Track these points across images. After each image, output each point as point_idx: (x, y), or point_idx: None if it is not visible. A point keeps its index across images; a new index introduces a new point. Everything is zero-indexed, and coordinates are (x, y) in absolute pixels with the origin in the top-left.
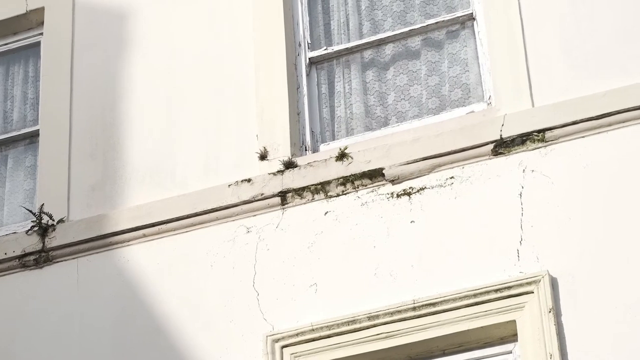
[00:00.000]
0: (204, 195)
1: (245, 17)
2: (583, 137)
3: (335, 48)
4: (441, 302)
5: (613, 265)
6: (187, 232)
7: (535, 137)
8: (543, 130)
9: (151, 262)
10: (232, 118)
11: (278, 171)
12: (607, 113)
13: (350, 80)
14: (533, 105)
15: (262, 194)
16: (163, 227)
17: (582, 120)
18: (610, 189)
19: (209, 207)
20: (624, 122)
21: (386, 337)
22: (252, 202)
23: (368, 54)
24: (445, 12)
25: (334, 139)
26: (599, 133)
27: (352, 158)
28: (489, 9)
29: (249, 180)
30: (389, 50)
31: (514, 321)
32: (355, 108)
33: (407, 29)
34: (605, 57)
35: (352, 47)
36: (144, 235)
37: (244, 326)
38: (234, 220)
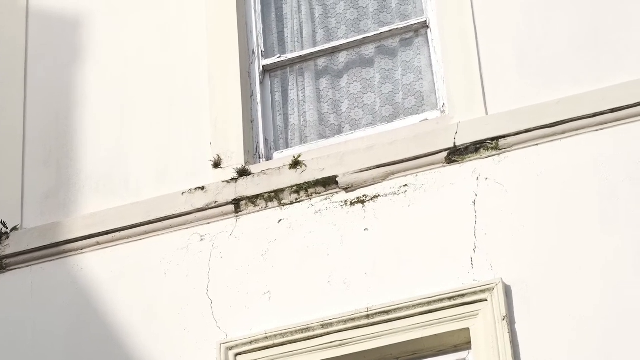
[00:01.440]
0: (158, 203)
1: (198, 26)
2: (537, 145)
3: (289, 56)
4: (395, 310)
5: (566, 272)
6: (140, 240)
7: (489, 145)
8: (497, 138)
9: (105, 270)
10: (186, 126)
11: (232, 179)
12: (561, 121)
13: (304, 88)
14: (487, 113)
15: (215, 202)
16: (117, 235)
17: (535, 128)
18: (563, 197)
19: (163, 215)
20: (577, 130)
21: (340, 345)
22: (205, 210)
23: (322, 62)
24: (399, 20)
25: (287, 147)
26: (552, 141)
27: (305, 166)
28: (443, 17)
29: (202, 188)
30: (342, 58)
31: (468, 329)
32: (309, 116)
33: (360, 37)
34: (559, 65)
35: (305, 55)
36: (98, 243)
37: (197, 334)
38: (187, 228)
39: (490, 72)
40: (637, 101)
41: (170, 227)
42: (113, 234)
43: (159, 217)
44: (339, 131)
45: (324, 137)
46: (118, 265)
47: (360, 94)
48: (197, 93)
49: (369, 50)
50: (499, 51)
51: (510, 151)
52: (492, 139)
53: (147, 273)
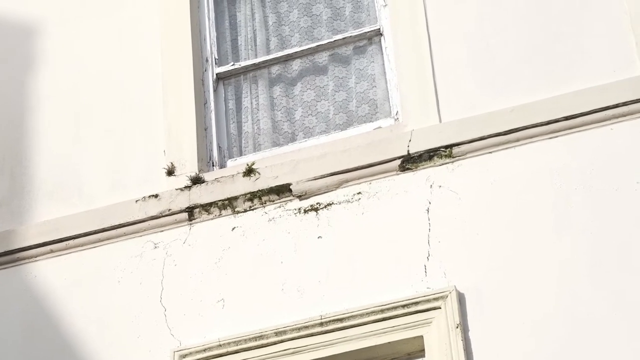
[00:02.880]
0: (111, 210)
1: (152, 34)
2: (490, 152)
3: (243, 64)
4: (348, 318)
5: (520, 280)
6: (94, 247)
7: (443, 153)
8: (450, 146)
9: (59, 278)
10: (140, 134)
11: (185, 187)
12: (515, 129)
13: (258, 96)
14: (440, 121)
15: (169, 210)
16: (70, 242)
17: (489, 136)
18: (517, 205)
19: (116, 223)
20: (531, 137)
21: (294, 353)
22: (159, 217)
23: (275, 70)
24: (353, 27)
25: (241, 155)
26: (506, 149)
27: (259, 174)
28: (397, 24)
29: (156, 196)
30: (296, 65)
31: (422, 337)
32: (262, 124)
33: (314, 45)
34: (513, 73)
35: (259, 63)
36: (52, 251)
37: (151, 342)
38: (141, 236)
39: (444, 80)
40: (590, 109)
41: (124, 234)
42: (67, 242)
43: (112, 224)
44: (293, 139)
45: (277, 144)
46: (72, 273)
47: (313, 102)
48: (150, 101)
49: (322, 58)
50: (453, 59)
51: (464, 159)
52: (446, 147)
53: (101, 281)
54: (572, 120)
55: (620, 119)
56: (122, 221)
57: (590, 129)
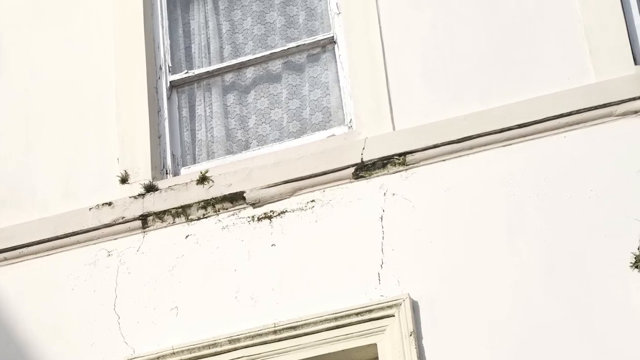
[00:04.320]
0: (65, 218)
1: (106, 41)
2: (444, 160)
3: (196, 71)
4: (302, 326)
5: (474, 288)
6: (48, 255)
7: (397, 161)
8: (404, 154)
9: (12, 286)
10: (93, 141)
11: (139, 195)
12: (468, 137)
13: (211, 104)
14: (394, 129)
15: (123, 218)
16: (24, 250)
17: (442, 144)
18: (471, 213)
19: (70, 231)
20: (484, 145)
21: None
22: (113, 225)
23: (229, 78)
24: (306, 35)
25: (195, 163)
26: (459, 156)
27: (213, 181)
28: (350, 32)
29: (109, 204)
30: (249, 73)
31: (375, 344)
32: (216, 131)
33: (267, 53)
34: (466, 81)
35: (213, 71)
36: (5, 259)
37: (105, 350)
38: (95, 244)
39: (398, 87)
40: (544, 117)
41: (78, 242)
42: (20, 250)
43: (66, 232)
44: (247, 147)
45: (231, 152)
46: (25, 280)
47: (267, 110)
48: (104, 108)
49: (276, 65)
50: (406, 67)
51: (417, 167)
52: (400, 155)
53: (55, 289)
54: (525, 128)
55: (573, 127)
56: (75, 229)
57: (544, 137)
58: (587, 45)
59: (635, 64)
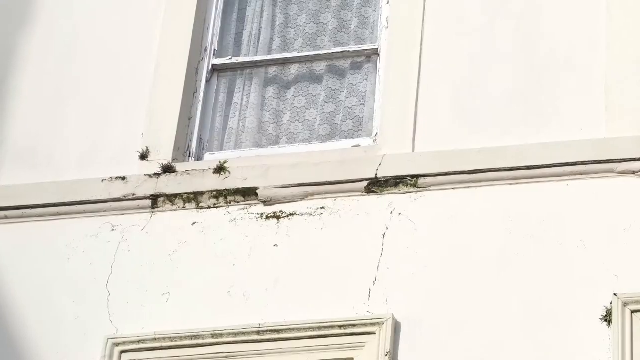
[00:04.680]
0: (75, 186)
1: (155, 13)
2: (453, 189)
3: (242, 59)
4: (285, 330)
5: (455, 318)
6: (50, 220)
7: (409, 182)
8: (417, 176)
9: (7, 246)
10: (122, 112)
11: (154, 174)
12: (479, 170)
13: (250, 94)
14: (413, 150)
15: (133, 194)
16: (27, 211)
17: (454, 173)
18: (468, 244)
19: (78, 199)
20: (493, 180)
21: (227, 357)
22: (122, 200)
23: (272, 70)
24: (355, 42)
25: (221, 150)
26: (468, 187)
27: (229, 173)
28: (392, 48)
29: (123, 178)
30: (293, 70)
31: (353, 359)
32: (248, 122)
33: (314, 53)
34: (489, 115)
35: (258, 61)
36: (6, 217)
37: (88, 325)
38: (101, 216)
39: (425, 110)
40: (552, 162)
41: (84, 212)
42: (23, 210)
43: (73, 200)
44: (276, 142)
45: (259, 145)
46: (22, 242)
47: (303, 109)
48: (140, 81)
49: (320, 67)
50: (437, 92)
51: (427, 191)
52: (413, 177)
53: (51, 255)
54: (533, 171)
55: (577, 177)
56: (83, 198)
57: (549, 182)
58: (605, 100)
59: None
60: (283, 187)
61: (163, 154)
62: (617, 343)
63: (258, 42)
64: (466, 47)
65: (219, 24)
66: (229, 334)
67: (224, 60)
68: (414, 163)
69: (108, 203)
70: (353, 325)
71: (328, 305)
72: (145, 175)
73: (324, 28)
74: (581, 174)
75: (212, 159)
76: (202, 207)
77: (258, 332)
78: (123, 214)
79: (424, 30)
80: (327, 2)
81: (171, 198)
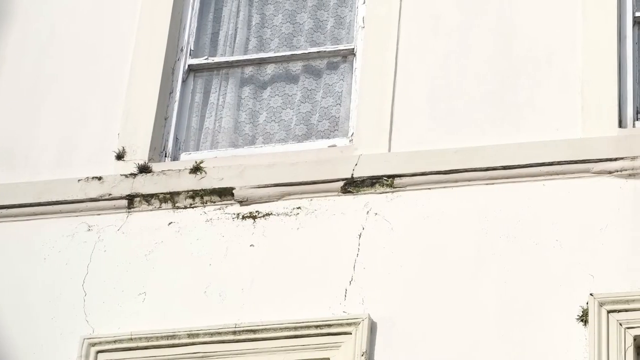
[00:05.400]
0: (52, 185)
1: (131, 12)
2: (429, 189)
3: (218, 59)
4: (262, 330)
5: (431, 317)
6: (27, 220)
7: (385, 182)
8: (393, 177)
9: None
10: (98, 112)
11: (131, 174)
12: (455, 170)
13: (226, 94)
14: (389, 150)
15: (109, 194)
16: (3, 211)
17: (430, 173)
18: (444, 244)
19: (54, 199)
20: (469, 180)
21: (203, 357)
22: (98, 200)
23: (249, 70)
24: (331, 42)
25: (197, 150)
26: (444, 187)
27: (205, 173)
28: (368, 48)
29: (99, 178)
30: (269, 70)
31: (329, 359)
32: (224, 122)
33: (290, 53)
34: (465, 115)
35: (234, 61)
36: None
37: (64, 325)
38: (77, 216)
39: (401, 110)
40: (528, 162)
41: (60, 212)
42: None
43: (50, 200)
44: (252, 142)
45: (234, 145)
46: None
47: (279, 109)
48: (116, 81)
49: (296, 67)
50: (414, 92)
51: (404, 191)
52: (389, 177)
53: (27, 255)
54: (509, 171)
55: (553, 177)
56: (60, 198)
57: (525, 182)
58: (581, 100)
59: (620, 126)
60: (259, 187)
61: (139, 154)
62: (593, 343)
63: (234, 42)
64: (442, 47)
65: (195, 24)
66: (205, 334)
67: (200, 60)
68: (390, 163)
69: (84, 203)
70: (329, 325)
71: (304, 305)
72: (121, 175)
73: (300, 28)
74: (557, 174)
75: (188, 159)
76: (178, 207)
77: (234, 332)
78: (99, 214)
79: (400, 30)
80: (303, 2)
81: (147, 198)
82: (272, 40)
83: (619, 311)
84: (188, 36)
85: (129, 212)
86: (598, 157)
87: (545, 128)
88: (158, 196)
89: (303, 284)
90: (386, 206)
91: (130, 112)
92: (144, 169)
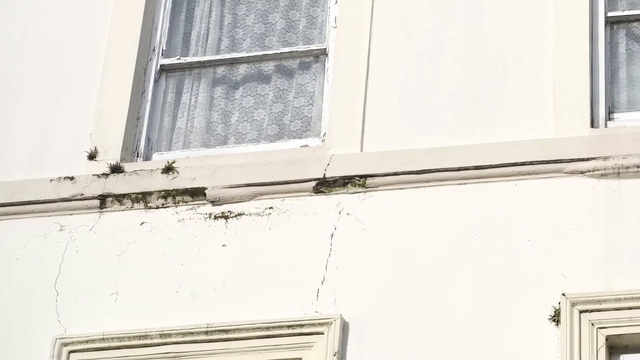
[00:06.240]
0: (24, 186)
1: (104, 12)
2: (402, 189)
3: (190, 59)
4: (234, 330)
5: (403, 318)
6: None
7: (357, 182)
8: (365, 176)
9: None
10: (70, 112)
11: (103, 174)
12: (427, 170)
13: (198, 94)
14: (362, 150)
15: (82, 195)
16: None
17: (403, 173)
18: (416, 244)
19: (26, 199)
20: (441, 180)
21: (175, 357)
22: (70, 200)
23: (221, 71)
24: (303, 42)
25: (169, 150)
26: (416, 187)
27: (177, 173)
28: (340, 48)
29: (72, 179)
30: (242, 70)
31: (301, 359)
32: (197, 122)
33: (262, 53)
34: (437, 115)
35: (206, 61)
36: None
37: (36, 325)
38: (49, 216)
39: (374, 110)
40: (500, 162)
41: (32, 212)
42: None
43: (22, 200)
44: (224, 142)
45: (207, 145)
46: None
47: (251, 109)
48: (88, 81)
49: (268, 67)
50: (386, 92)
51: (376, 191)
52: (361, 177)
53: None
54: (481, 171)
55: (525, 177)
56: (32, 198)
57: (497, 182)
58: (553, 100)
59: (592, 126)
60: (231, 187)
61: (111, 154)
62: (565, 343)
63: (206, 42)
64: (414, 48)
65: (167, 24)
66: (177, 334)
67: (172, 60)
68: (362, 163)
69: (56, 203)
70: (301, 326)
71: (276, 306)
72: (93, 175)
73: (272, 28)
74: (529, 174)
75: (160, 159)
76: (150, 207)
77: (206, 332)
78: (71, 214)
79: (372, 31)
80: (276, 2)
81: (119, 198)
82: (244, 40)
83: (591, 311)
84: (160, 36)
85: (101, 212)
86: (570, 157)
87: (518, 128)
88: (130, 196)
89: (275, 284)
90: (358, 206)
91: (103, 112)
92: (116, 169)
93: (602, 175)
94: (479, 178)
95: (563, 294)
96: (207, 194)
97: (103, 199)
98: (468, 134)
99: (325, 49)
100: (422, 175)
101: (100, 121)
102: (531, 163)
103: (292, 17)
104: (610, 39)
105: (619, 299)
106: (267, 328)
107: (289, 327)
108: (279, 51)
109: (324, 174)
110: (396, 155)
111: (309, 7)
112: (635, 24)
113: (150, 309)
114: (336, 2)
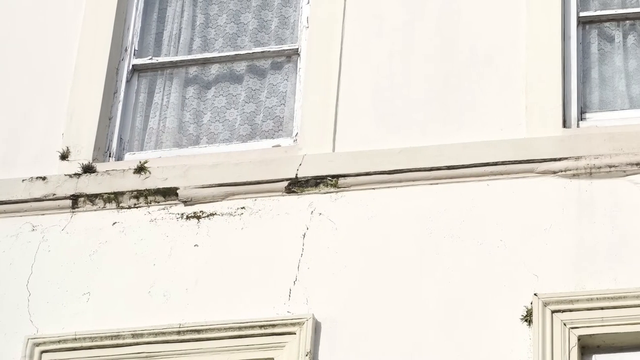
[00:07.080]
0: None
1: (75, 12)
2: (374, 189)
3: (162, 59)
4: (206, 330)
5: (376, 318)
6: None
7: (329, 182)
8: (337, 177)
9: None
10: (42, 112)
11: (75, 174)
12: (399, 170)
13: (170, 94)
14: (334, 150)
15: (54, 195)
16: None
17: (375, 173)
18: (388, 244)
19: None
20: (413, 180)
21: (147, 357)
22: (42, 200)
23: (193, 71)
24: (275, 42)
25: (141, 150)
26: (388, 187)
27: (149, 173)
28: (312, 48)
29: (44, 178)
30: (214, 70)
31: (273, 359)
32: (169, 122)
33: (234, 53)
34: (409, 115)
35: (178, 61)
36: None
37: (8, 325)
38: (21, 216)
39: (346, 110)
40: (472, 162)
41: (4, 212)
42: None
43: None
44: (196, 142)
45: (179, 145)
46: None
47: (223, 109)
48: (60, 80)
49: (240, 67)
50: (358, 92)
51: (348, 191)
52: (333, 177)
53: None
54: (453, 171)
55: (497, 177)
56: (3, 198)
57: (469, 182)
58: (525, 100)
59: (564, 126)
60: (203, 187)
61: (83, 154)
62: (538, 343)
63: (178, 42)
64: (386, 47)
65: (139, 24)
66: (150, 334)
67: (144, 60)
68: (334, 163)
69: (28, 203)
70: (273, 325)
71: (248, 306)
72: (65, 175)
73: (244, 28)
74: (501, 174)
75: (132, 159)
76: (122, 207)
77: (178, 332)
78: (43, 214)
79: (344, 31)
80: (248, 2)
81: (91, 198)
82: (216, 40)
83: (563, 311)
84: (132, 36)
85: (73, 212)
86: (542, 157)
87: (490, 128)
88: (102, 196)
89: (247, 284)
90: (330, 206)
91: (75, 112)
92: (88, 169)
93: (574, 175)
94: (451, 178)
95: (535, 294)
96: (179, 194)
97: (75, 199)
98: (440, 134)
99: (298, 49)
100: (394, 175)
101: (72, 121)
102: (503, 163)
103: (264, 17)
104: (582, 39)
105: (591, 299)
106: (240, 328)
107: (261, 327)
108: (251, 51)
109: (296, 174)
110: (368, 155)
111: (281, 7)
112: (607, 24)
113: (123, 309)
114: (308, 2)
